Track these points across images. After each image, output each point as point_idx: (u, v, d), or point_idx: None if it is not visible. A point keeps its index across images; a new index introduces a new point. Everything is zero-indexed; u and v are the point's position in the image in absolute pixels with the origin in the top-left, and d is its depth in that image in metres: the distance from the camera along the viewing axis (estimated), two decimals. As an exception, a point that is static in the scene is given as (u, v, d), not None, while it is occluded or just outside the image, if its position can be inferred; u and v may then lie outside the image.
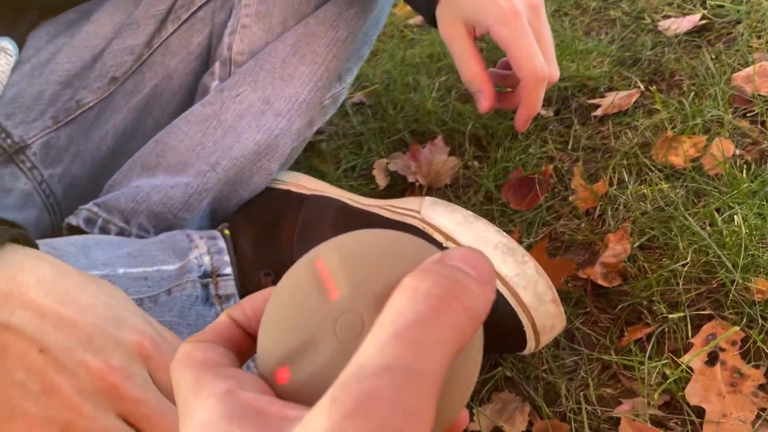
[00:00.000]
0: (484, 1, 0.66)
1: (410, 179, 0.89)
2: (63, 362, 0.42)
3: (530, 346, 0.59)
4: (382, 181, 0.91)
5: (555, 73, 0.68)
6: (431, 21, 0.72)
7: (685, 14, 1.04)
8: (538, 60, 0.65)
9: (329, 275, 0.25)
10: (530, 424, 0.61)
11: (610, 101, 0.91)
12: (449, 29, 0.69)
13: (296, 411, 0.22)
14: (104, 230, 0.70)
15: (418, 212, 0.65)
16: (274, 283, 0.68)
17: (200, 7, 0.80)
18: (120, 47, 0.78)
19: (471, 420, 0.62)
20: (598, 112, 0.90)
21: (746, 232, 0.67)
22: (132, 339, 0.45)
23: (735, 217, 0.69)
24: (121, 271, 0.60)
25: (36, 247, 0.49)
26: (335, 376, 0.21)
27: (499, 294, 0.57)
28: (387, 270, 0.24)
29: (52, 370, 0.42)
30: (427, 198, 0.66)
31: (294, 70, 0.75)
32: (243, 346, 0.28)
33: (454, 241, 0.61)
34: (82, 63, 0.76)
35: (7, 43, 0.74)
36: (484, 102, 0.69)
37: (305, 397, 0.24)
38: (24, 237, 0.47)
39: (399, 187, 0.90)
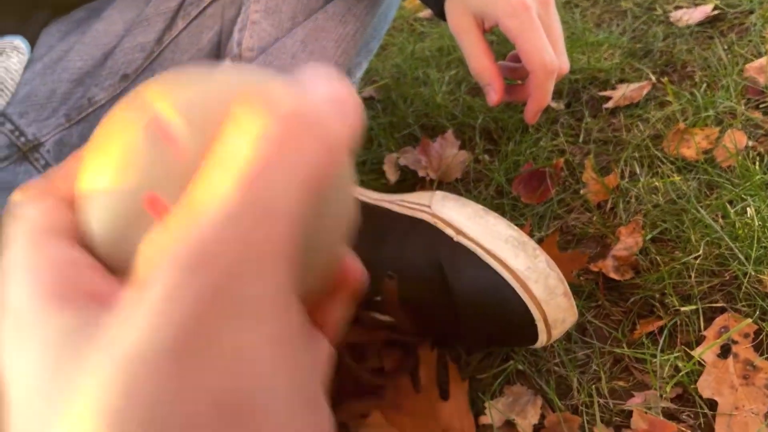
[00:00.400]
0: None
1: (420, 174, 0.89)
2: None
3: (542, 339, 0.59)
4: (392, 175, 0.91)
5: (565, 65, 0.68)
6: (440, 14, 0.72)
7: (696, 5, 1.03)
8: (548, 53, 0.65)
9: (166, 124, 0.20)
10: (542, 417, 0.61)
11: (621, 93, 0.90)
12: (458, 22, 0.69)
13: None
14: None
15: (429, 206, 0.65)
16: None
17: (210, 4, 0.80)
18: (131, 45, 0.78)
19: (483, 413, 0.62)
20: (610, 104, 0.90)
21: (759, 224, 0.66)
22: None
23: (748, 209, 0.68)
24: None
25: None
26: None
27: (510, 288, 0.57)
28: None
29: None
30: (437, 192, 0.66)
31: (303, 66, 0.75)
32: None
33: (465, 236, 0.61)
34: (93, 61, 0.77)
35: (20, 42, 0.75)
36: (494, 95, 0.69)
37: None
38: None
39: (409, 182, 0.90)
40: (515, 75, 0.74)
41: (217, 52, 0.82)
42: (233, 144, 0.18)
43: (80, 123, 0.76)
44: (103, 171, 0.21)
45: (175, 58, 0.80)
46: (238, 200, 0.17)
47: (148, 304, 0.16)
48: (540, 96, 0.67)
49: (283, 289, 0.18)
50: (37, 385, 0.17)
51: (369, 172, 0.94)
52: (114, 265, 0.21)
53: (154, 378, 0.16)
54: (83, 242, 0.21)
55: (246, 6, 0.78)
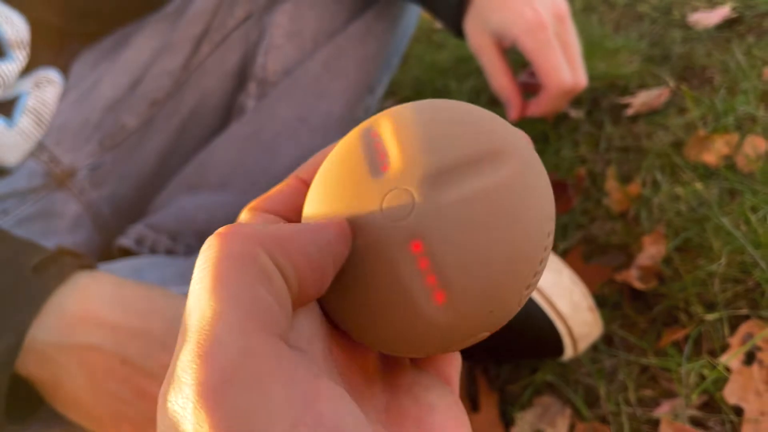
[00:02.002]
0: (510, 13, 0.67)
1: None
2: (145, 367, 0.47)
3: (568, 353, 0.60)
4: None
5: (581, 81, 0.69)
6: (458, 33, 0.73)
7: (714, 7, 1.03)
8: (564, 71, 0.66)
9: (383, 146, 0.23)
10: (572, 427, 0.63)
11: (641, 100, 0.91)
12: (477, 41, 0.71)
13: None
14: (153, 249, 0.73)
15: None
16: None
17: (234, 29, 0.82)
18: (158, 71, 0.81)
19: (513, 424, 0.64)
20: (630, 111, 0.91)
21: (781, 231, 0.67)
22: None
23: (769, 216, 0.69)
24: (174, 290, 0.63)
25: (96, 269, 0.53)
26: (379, 256, 0.21)
27: (535, 304, 0.58)
28: (445, 145, 0.22)
29: (138, 377, 0.47)
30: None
31: (326, 87, 0.77)
32: None
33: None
34: (123, 88, 0.80)
35: (54, 74, 0.78)
36: (512, 112, 0.71)
37: (341, 276, 0.22)
38: (88, 265, 0.51)
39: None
40: (534, 90, 0.76)
41: (243, 75, 0.84)
42: None
43: (114, 149, 0.79)
44: (321, 198, 0.23)
45: (201, 82, 0.83)
46: None
47: None
48: (551, 109, 0.69)
49: None
50: None
51: (393, 185, 0.95)
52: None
53: None
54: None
55: (269, 30, 0.80)
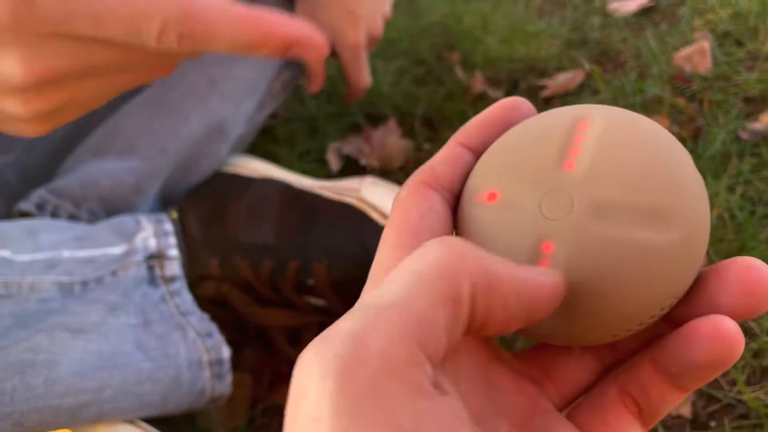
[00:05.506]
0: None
1: (363, 162, 0.91)
2: None
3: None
4: (335, 164, 0.92)
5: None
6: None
7: (633, -4, 1.06)
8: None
9: (582, 143, 0.22)
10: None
11: (557, 82, 0.93)
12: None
13: None
14: (55, 215, 0.71)
15: (358, 191, 0.67)
16: (221, 265, 0.69)
17: None
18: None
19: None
20: (546, 93, 0.92)
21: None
22: None
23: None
24: (66, 253, 0.62)
25: None
26: (522, 232, 0.22)
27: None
28: (629, 181, 0.21)
29: None
30: (367, 178, 0.68)
31: None
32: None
33: (391, 219, 0.63)
34: None
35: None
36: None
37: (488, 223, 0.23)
38: None
39: (353, 170, 0.92)
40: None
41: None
42: None
43: None
44: (509, 138, 0.24)
45: None
46: None
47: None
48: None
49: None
50: None
51: (313, 161, 0.95)
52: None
53: None
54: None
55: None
